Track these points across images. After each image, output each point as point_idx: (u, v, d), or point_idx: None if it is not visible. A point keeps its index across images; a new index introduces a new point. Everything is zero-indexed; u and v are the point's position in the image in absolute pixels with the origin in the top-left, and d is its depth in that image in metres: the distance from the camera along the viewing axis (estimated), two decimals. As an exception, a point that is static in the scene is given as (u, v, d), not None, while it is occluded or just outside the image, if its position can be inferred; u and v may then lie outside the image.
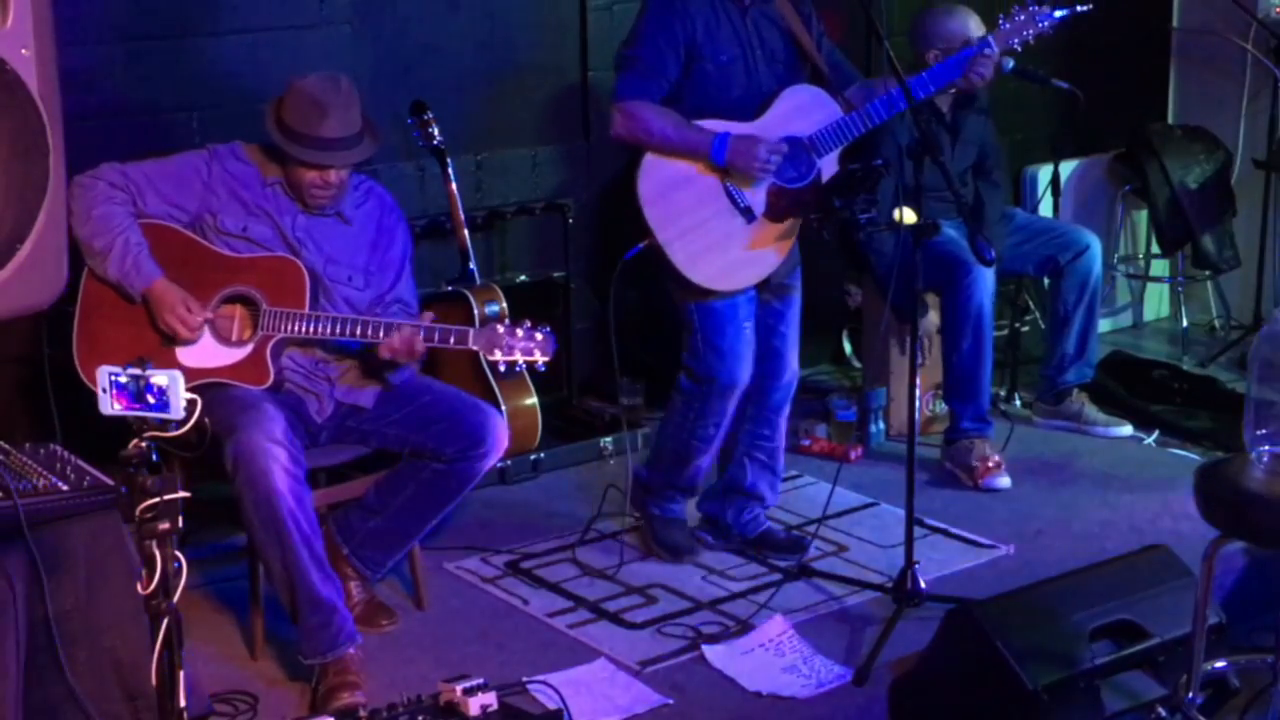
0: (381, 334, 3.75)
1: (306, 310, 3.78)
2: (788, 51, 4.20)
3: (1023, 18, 4.24)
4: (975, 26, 5.01)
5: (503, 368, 3.74)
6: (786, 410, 4.47)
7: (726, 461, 4.49)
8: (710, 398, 4.24)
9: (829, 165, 4.14)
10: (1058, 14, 4.24)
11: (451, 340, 3.75)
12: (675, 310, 4.26)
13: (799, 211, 4.12)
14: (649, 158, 4.08)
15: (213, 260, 3.84)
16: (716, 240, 4.10)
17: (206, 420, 3.61)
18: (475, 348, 3.75)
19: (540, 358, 3.73)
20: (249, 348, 3.80)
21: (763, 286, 4.26)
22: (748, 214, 4.11)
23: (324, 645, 3.65)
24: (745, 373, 4.23)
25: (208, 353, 3.80)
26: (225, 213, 3.86)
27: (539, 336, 3.73)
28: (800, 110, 4.13)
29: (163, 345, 3.78)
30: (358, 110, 3.85)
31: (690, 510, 4.53)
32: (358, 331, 3.76)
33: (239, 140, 3.96)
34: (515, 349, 3.71)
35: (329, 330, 3.77)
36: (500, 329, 3.73)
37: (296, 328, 3.77)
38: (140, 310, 3.81)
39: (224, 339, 3.82)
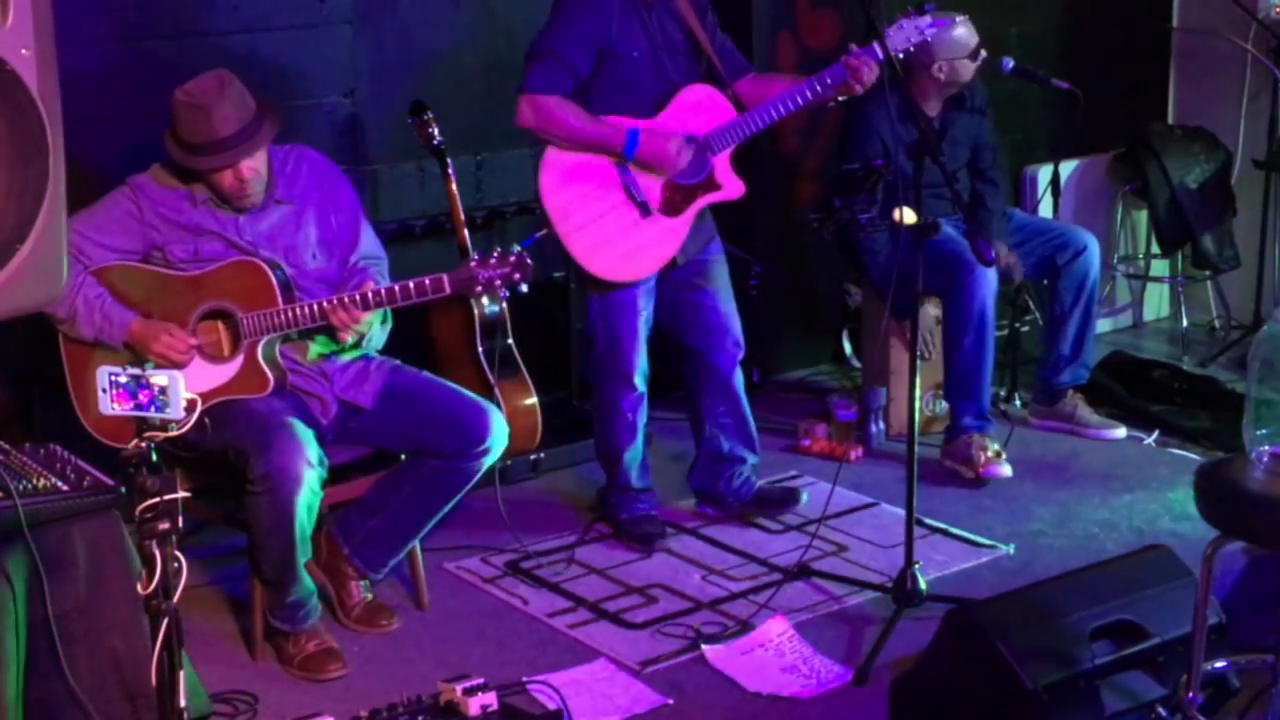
0: (360, 303, 3.74)
1: (280, 305, 3.76)
2: (688, 46, 4.30)
3: (906, 26, 4.22)
4: (972, 33, 5.01)
5: (487, 300, 3.72)
6: (737, 375, 4.58)
7: (699, 436, 4.64)
8: (614, 384, 4.42)
9: (722, 163, 4.27)
10: (929, 28, 4.22)
11: (428, 289, 3.74)
12: (581, 299, 4.43)
13: (691, 205, 4.28)
14: (551, 151, 4.22)
15: (176, 285, 3.81)
16: (614, 233, 4.25)
17: (227, 433, 3.65)
18: (454, 291, 3.75)
19: (520, 278, 3.74)
20: (240, 359, 3.79)
21: (679, 271, 4.38)
22: (644, 208, 4.24)
23: (299, 620, 3.81)
24: (640, 360, 4.41)
25: (204, 375, 3.77)
26: (171, 242, 3.81)
27: (512, 258, 3.74)
28: (697, 108, 4.26)
29: None
30: (245, 99, 3.77)
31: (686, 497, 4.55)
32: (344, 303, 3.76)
33: (154, 164, 3.87)
34: (496, 279, 3.73)
35: (309, 317, 3.76)
36: (472, 264, 3.74)
37: (277, 324, 3.76)
38: (126, 355, 3.75)
39: (214, 357, 3.81)
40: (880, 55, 4.14)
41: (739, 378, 4.58)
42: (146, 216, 3.82)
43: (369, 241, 4.04)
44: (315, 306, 3.75)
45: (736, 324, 4.53)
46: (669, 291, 4.43)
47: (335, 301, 3.74)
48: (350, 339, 3.81)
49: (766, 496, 4.65)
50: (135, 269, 3.83)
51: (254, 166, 3.80)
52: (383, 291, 3.76)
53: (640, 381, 4.43)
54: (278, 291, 3.77)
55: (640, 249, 4.27)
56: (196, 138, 3.73)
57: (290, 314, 3.75)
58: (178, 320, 3.79)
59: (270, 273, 3.78)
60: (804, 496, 4.65)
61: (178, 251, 3.82)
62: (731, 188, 4.31)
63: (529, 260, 3.75)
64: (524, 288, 3.77)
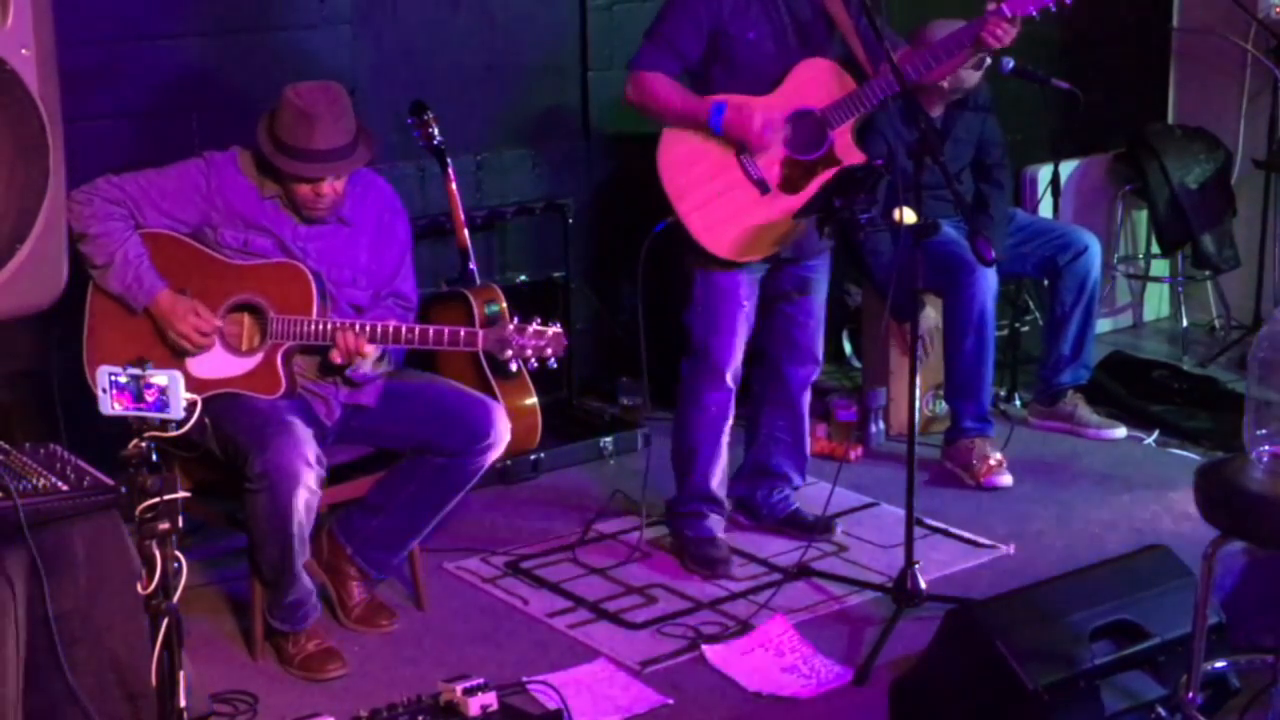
0: (392, 337, 3.75)
1: (314, 315, 3.77)
2: (818, 26, 4.19)
3: None
4: None
5: (514, 366, 3.74)
6: (807, 396, 4.53)
7: (752, 443, 4.58)
8: (703, 375, 4.32)
9: (843, 138, 4.17)
10: None
11: (462, 341, 3.75)
12: (684, 283, 4.31)
13: (811, 182, 4.17)
14: (667, 132, 4.17)
15: (218, 269, 3.81)
16: (734, 212, 4.16)
17: (227, 428, 3.66)
18: (485, 349, 3.76)
19: (552, 354, 3.74)
20: (259, 356, 3.79)
21: (781, 274, 4.32)
22: (761, 186, 4.16)
23: (299, 620, 3.81)
24: (737, 352, 4.30)
25: (218, 363, 3.78)
26: (226, 225, 3.82)
27: (549, 333, 3.73)
28: (813, 82, 4.16)
29: (172, 357, 3.75)
30: (350, 119, 3.80)
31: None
32: (367, 333, 3.75)
33: (237, 146, 3.89)
34: (527, 348, 3.72)
35: (335, 334, 3.75)
36: (510, 328, 3.73)
37: (305, 333, 3.75)
38: (149, 321, 3.79)
39: (233, 348, 3.81)
40: (1010, 12, 4.02)
41: (807, 398, 4.53)
42: (212, 194, 3.82)
43: (405, 281, 4.05)
44: (350, 326, 3.74)
45: (820, 344, 4.47)
46: (764, 293, 4.34)
47: (359, 328, 3.74)
48: (340, 360, 3.77)
49: (801, 519, 4.54)
50: (182, 242, 3.82)
51: (335, 186, 3.81)
52: (416, 331, 3.76)
53: (731, 380, 4.33)
54: (315, 301, 3.76)
55: (761, 227, 4.17)
56: (293, 140, 3.73)
57: (320, 326, 3.75)
58: (208, 303, 3.79)
59: (313, 281, 3.78)
60: (837, 527, 4.59)
61: (229, 236, 3.82)
62: (853, 162, 4.20)
63: (565, 340, 3.74)
64: (554, 363, 3.76)
